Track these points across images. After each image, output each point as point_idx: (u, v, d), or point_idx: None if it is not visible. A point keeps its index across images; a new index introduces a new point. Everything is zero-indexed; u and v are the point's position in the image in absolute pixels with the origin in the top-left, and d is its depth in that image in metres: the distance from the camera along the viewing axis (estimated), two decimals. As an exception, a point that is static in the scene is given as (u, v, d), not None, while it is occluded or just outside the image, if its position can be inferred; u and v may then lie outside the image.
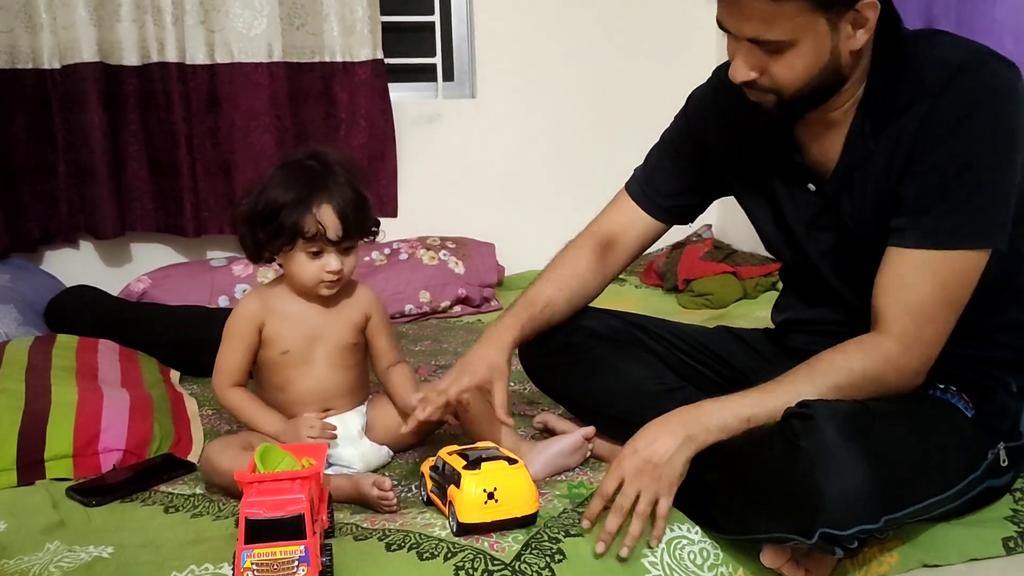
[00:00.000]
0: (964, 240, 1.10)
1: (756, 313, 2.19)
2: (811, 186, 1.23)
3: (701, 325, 1.51)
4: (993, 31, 1.56)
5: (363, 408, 1.46)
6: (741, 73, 1.13)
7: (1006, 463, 1.19)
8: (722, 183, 1.37)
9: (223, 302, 2.28)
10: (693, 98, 1.40)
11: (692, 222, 1.46)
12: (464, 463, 1.15)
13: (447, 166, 2.80)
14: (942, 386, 1.19)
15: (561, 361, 1.42)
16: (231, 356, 1.40)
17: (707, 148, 1.36)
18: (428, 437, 1.50)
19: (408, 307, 2.44)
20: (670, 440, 1.10)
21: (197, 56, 2.41)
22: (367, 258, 2.48)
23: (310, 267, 1.35)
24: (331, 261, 1.34)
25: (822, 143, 1.21)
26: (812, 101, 1.15)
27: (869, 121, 1.15)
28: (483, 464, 1.14)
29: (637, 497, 1.10)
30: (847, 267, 1.24)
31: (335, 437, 1.36)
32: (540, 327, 1.39)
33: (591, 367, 1.39)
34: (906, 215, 1.12)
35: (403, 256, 2.55)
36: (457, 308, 2.53)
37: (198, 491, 1.33)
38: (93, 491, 1.31)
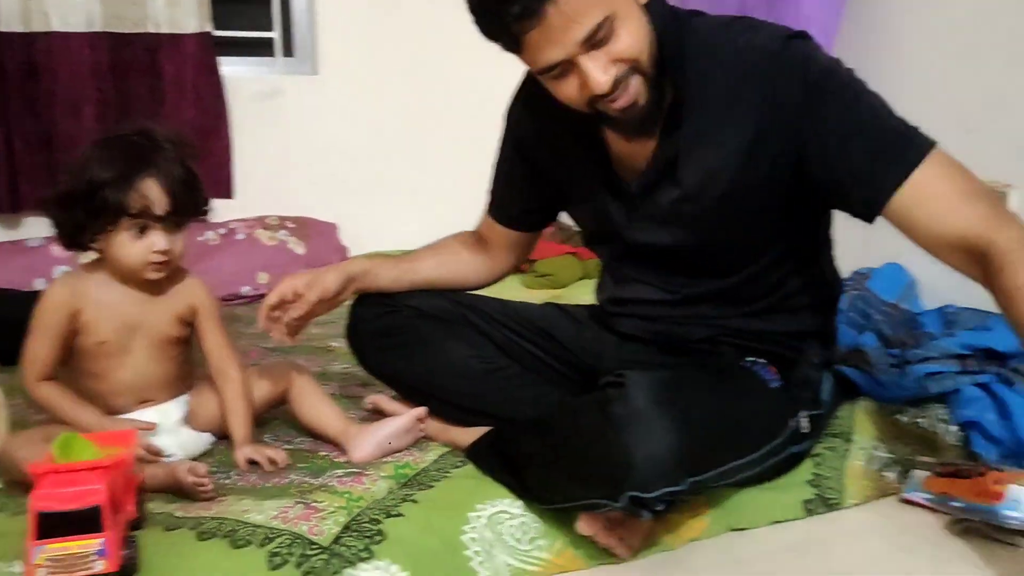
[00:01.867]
0: (920, 146, 1.09)
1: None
2: (629, 184, 1.24)
3: (530, 302, 1.53)
4: (799, 24, 1.65)
5: (185, 397, 1.39)
6: (602, 78, 1.07)
7: (807, 430, 1.27)
8: (560, 191, 1.38)
9: (39, 284, 2.14)
10: (510, 118, 1.38)
11: (555, 220, 1.48)
12: None
13: (288, 145, 2.72)
14: (751, 359, 1.26)
15: (387, 342, 1.40)
16: (39, 348, 1.30)
17: (536, 162, 1.36)
18: (266, 413, 1.45)
19: (245, 288, 2.37)
20: None
21: (13, 23, 2.26)
22: (200, 237, 2.38)
23: (135, 248, 1.26)
24: (158, 240, 1.26)
25: (633, 145, 1.21)
26: (665, 71, 1.14)
27: (681, 113, 1.16)
28: None
29: None
30: (667, 257, 1.28)
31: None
32: (398, 280, 1.41)
33: (417, 348, 1.39)
34: (856, 179, 1.09)
35: (240, 236, 2.47)
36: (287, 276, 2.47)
37: (-2, 485, 1.24)
38: None
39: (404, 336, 1.39)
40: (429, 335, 1.38)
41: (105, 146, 1.28)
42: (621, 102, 1.11)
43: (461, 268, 1.48)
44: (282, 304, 1.34)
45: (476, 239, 1.49)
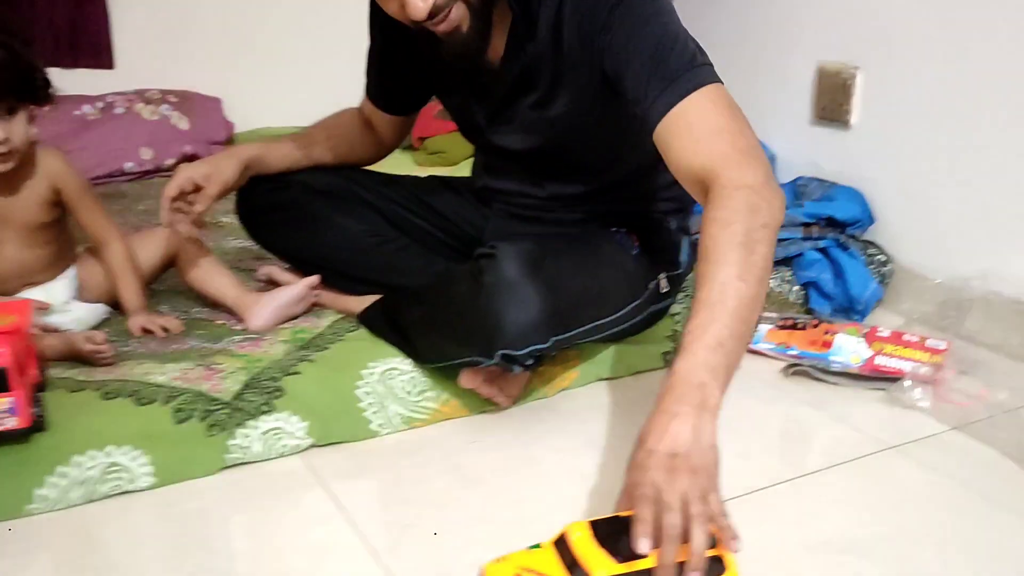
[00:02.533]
0: (693, 79, 1.08)
1: (479, 168, 2.31)
2: (489, 87, 1.29)
3: (416, 175, 1.59)
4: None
5: (71, 272, 1.40)
6: (420, 4, 1.09)
7: (667, 290, 1.41)
8: (428, 81, 1.41)
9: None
10: (373, 8, 1.37)
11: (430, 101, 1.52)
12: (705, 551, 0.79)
13: (170, 13, 2.62)
14: (614, 228, 1.37)
15: (278, 218, 1.45)
16: None
17: (403, 51, 1.38)
18: (153, 281, 1.48)
19: (128, 164, 2.33)
20: (681, 423, 0.86)
21: None
22: (76, 112, 2.31)
23: None
24: None
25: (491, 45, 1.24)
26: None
27: (524, 20, 1.19)
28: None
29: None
30: (529, 159, 1.34)
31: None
32: (291, 160, 1.44)
33: (308, 223, 1.44)
34: (635, 100, 1.11)
35: (119, 110, 2.40)
36: (183, 166, 2.45)
37: None
38: None
39: (295, 212, 1.43)
40: (319, 210, 1.43)
41: None
42: (442, 27, 1.14)
43: (352, 147, 1.52)
44: (181, 195, 1.34)
45: (362, 117, 1.53)
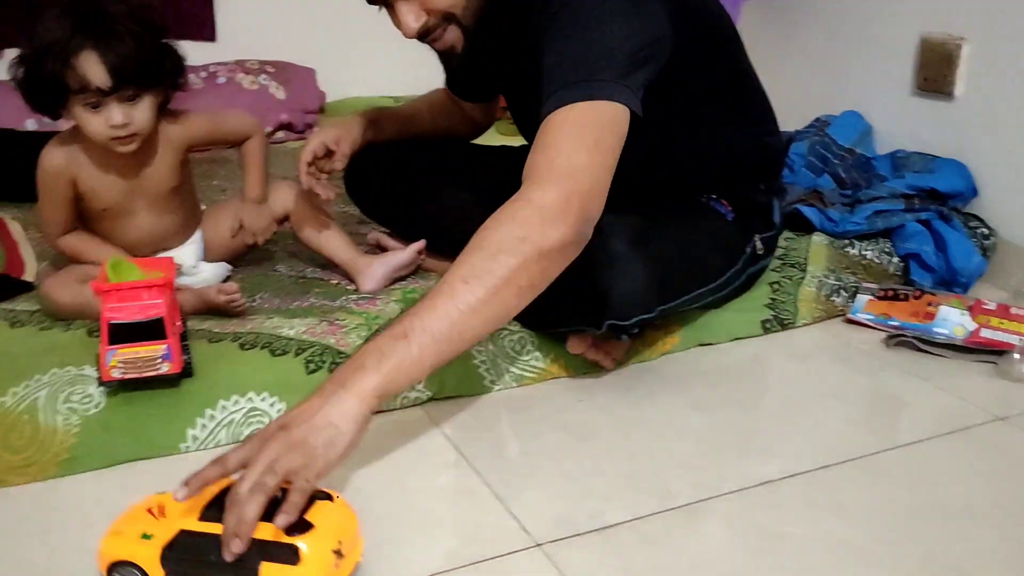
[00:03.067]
0: (579, 93, 1.04)
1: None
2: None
3: (514, 146, 1.64)
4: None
5: (197, 236, 1.47)
6: (412, 25, 1.14)
7: (762, 251, 1.43)
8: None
9: (31, 125, 2.17)
10: None
11: None
12: (279, 526, 0.80)
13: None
14: (708, 196, 1.40)
15: (385, 187, 1.52)
16: (51, 211, 1.33)
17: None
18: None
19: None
20: (312, 401, 0.90)
21: None
22: (184, 81, 2.41)
23: (93, 123, 1.24)
24: (114, 114, 1.22)
25: None
26: (489, 20, 1.18)
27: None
28: (310, 517, 0.82)
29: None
30: None
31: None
32: (401, 129, 1.50)
33: (414, 192, 1.50)
34: (546, 97, 1.07)
35: (221, 80, 2.50)
36: (280, 134, 2.54)
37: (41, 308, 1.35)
38: (-71, 311, 1.31)
39: (401, 181, 1.50)
40: (425, 180, 1.49)
41: (54, 14, 1.21)
42: (436, 45, 1.20)
43: (451, 124, 1.59)
44: (315, 159, 1.41)
45: (452, 97, 1.58)
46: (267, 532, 0.80)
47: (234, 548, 0.78)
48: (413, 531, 0.96)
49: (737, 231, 1.38)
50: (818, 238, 1.62)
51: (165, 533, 0.82)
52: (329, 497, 0.86)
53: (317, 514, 0.83)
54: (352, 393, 0.88)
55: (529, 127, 1.40)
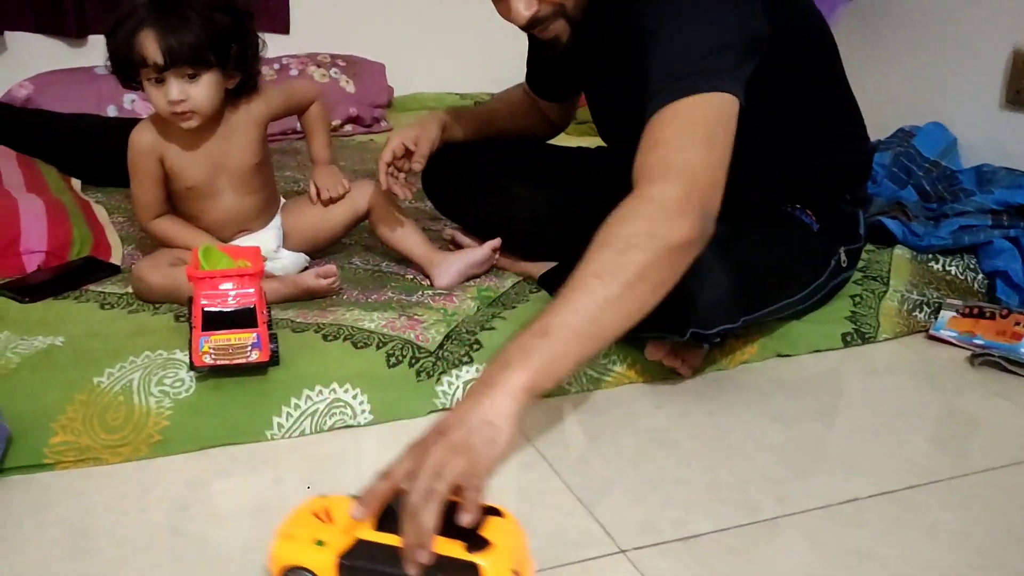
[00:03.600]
0: (683, 88, 1.04)
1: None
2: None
3: (586, 147, 1.63)
4: None
5: (277, 221, 1.50)
6: (523, 13, 1.14)
7: (846, 264, 1.41)
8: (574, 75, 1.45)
9: (112, 111, 2.22)
10: None
11: None
12: (460, 543, 0.78)
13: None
14: (792, 205, 1.38)
15: (461, 186, 1.53)
16: (143, 191, 1.38)
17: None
18: (348, 233, 1.57)
19: (298, 124, 2.45)
20: (466, 404, 0.86)
21: None
22: (258, 72, 2.44)
23: (156, 97, 1.29)
24: (171, 89, 1.27)
25: None
26: (592, 13, 1.18)
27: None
28: (485, 533, 0.80)
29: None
30: None
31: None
32: (477, 129, 1.51)
33: (490, 192, 1.51)
34: (649, 94, 1.06)
35: (293, 72, 2.53)
36: (348, 127, 2.56)
37: (128, 291, 1.38)
38: (23, 290, 1.34)
39: (478, 181, 1.51)
40: (502, 181, 1.50)
41: None
42: (543, 35, 1.20)
43: (527, 124, 1.59)
44: (394, 159, 1.42)
45: (530, 98, 1.58)
46: (445, 548, 0.77)
47: (421, 559, 0.75)
48: (496, 530, 0.96)
49: (822, 242, 1.36)
50: (901, 251, 1.59)
51: (340, 541, 0.80)
52: (499, 513, 0.83)
53: (492, 531, 0.80)
54: (502, 391, 0.85)
55: (614, 126, 1.39)
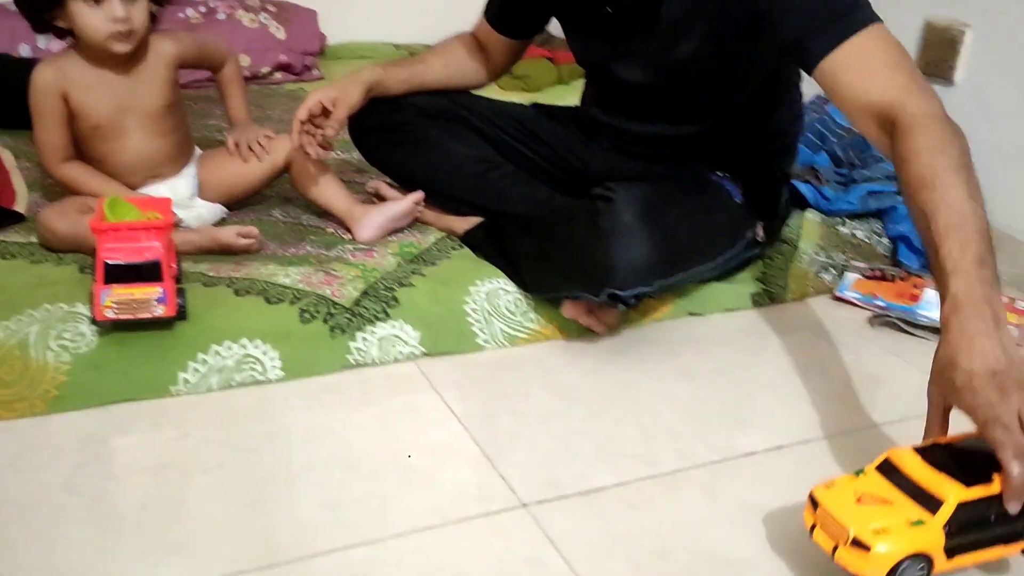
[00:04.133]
0: (860, 18, 1.11)
1: (569, 98, 2.32)
2: (616, 18, 1.30)
3: (518, 103, 1.63)
4: None
5: (191, 170, 1.47)
6: None
7: (762, 238, 1.45)
8: (552, 5, 1.44)
9: (24, 51, 2.13)
10: None
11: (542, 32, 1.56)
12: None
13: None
14: (720, 173, 1.41)
15: (389, 139, 1.51)
16: (47, 133, 1.34)
17: None
18: (267, 186, 1.55)
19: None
20: (986, 340, 0.88)
21: None
22: (180, 14, 2.37)
23: (94, 18, 1.26)
24: (115, 7, 1.25)
25: None
26: None
27: None
28: None
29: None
30: (646, 95, 1.37)
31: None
32: (408, 84, 1.49)
33: (418, 145, 1.49)
34: (798, 39, 1.13)
35: (220, 16, 2.46)
36: (278, 75, 2.50)
37: (32, 240, 1.34)
38: (-81, 238, 1.30)
39: (406, 134, 1.49)
40: (429, 134, 1.48)
41: None
42: None
43: (464, 72, 1.57)
44: (311, 118, 1.40)
45: (475, 41, 1.56)
46: None
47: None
48: (402, 486, 0.98)
49: (743, 214, 1.39)
50: (811, 215, 1.64)
51: (936, 514, 0.81)
52: None
53: None
54: (1003, 324, 0.89)
55: (620, 52, 1.34)
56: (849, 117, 1.13)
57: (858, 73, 1.09)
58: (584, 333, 1.33)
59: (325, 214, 1.51)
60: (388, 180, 1.59)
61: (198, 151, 1.52)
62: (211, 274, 1.26)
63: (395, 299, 1.24)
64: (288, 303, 1.19)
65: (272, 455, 1.02)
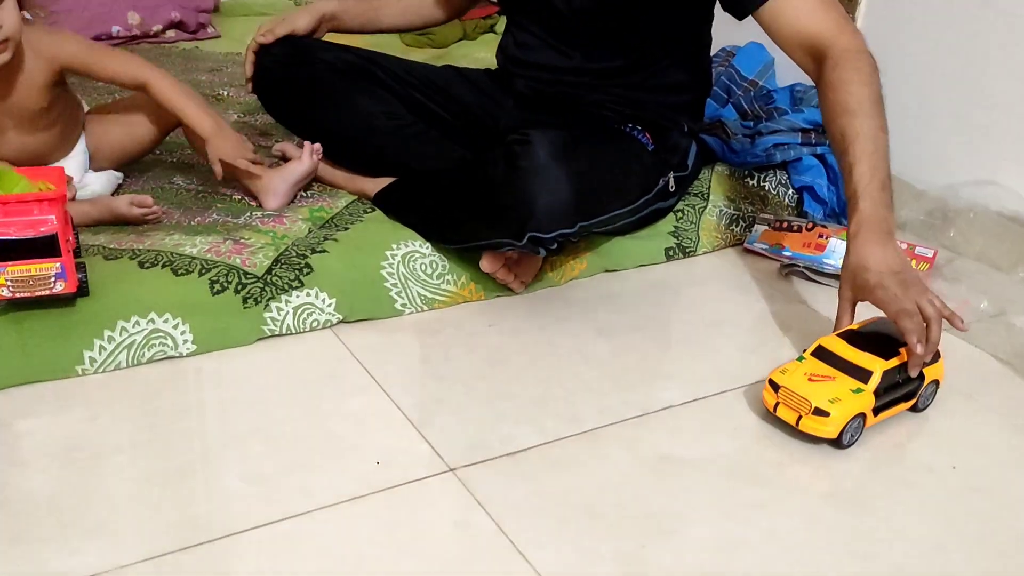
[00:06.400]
0: None
1: (476, 54, 2.30)
2: None
3: (428, 63, 1.61)
4: None
5: (80, 146, 1.38)
6: None
7: (673, 189, 1.46)
8: None
9: None
10: None
11: None
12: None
13: None
14: (631, 125, 1.42)
15: (296, 94, 1.46)
16: None
17: None
18: (160, 142, 1.47)
19: (115, 28, 2.27)
20: (888, 248, 1.13)
21: None
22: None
23: None
24: None
25: None
26: None
27: None
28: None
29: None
30: (569, 24, 1.37)
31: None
32: (365, 18, 1.53)
33: (326, 101, 1.45)
34: None
35: (102, -29, 2.32)
36: (171, 33, 2.38)
37: (-88, 217, 1.26)
38: None
39: (314, 89, 1.44)
40: (338, 90, 1.44)
41: None
42: None
43: (420, 14, 1.58)
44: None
45: None
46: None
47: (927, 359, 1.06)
48: (325, 456, 0.97)
49: (654, 162, 1.40)
50: (720, 168, 1.66)
51: (868, 382, 1.03)
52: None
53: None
54: (894, 236, 1.15)
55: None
56: (784, 49, 1.28)
57: (798, 9, 1.23)
58: (502, 292, 1.33)
59: (230, 183, 1.45)
60: (296, 140, 1.54)
61: (86, 108, 1.42)
62: (112, 246, 1.20)
63: (308, 266, 1.21)
64: (197, 274, 1.15)
65: (188, 431, 0.99)
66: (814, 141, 1.68)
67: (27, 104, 1.27)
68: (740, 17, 1.31)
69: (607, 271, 1.44)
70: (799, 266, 1.46)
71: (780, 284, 1.45)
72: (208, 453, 0.97)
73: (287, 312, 1.17)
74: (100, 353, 1.06)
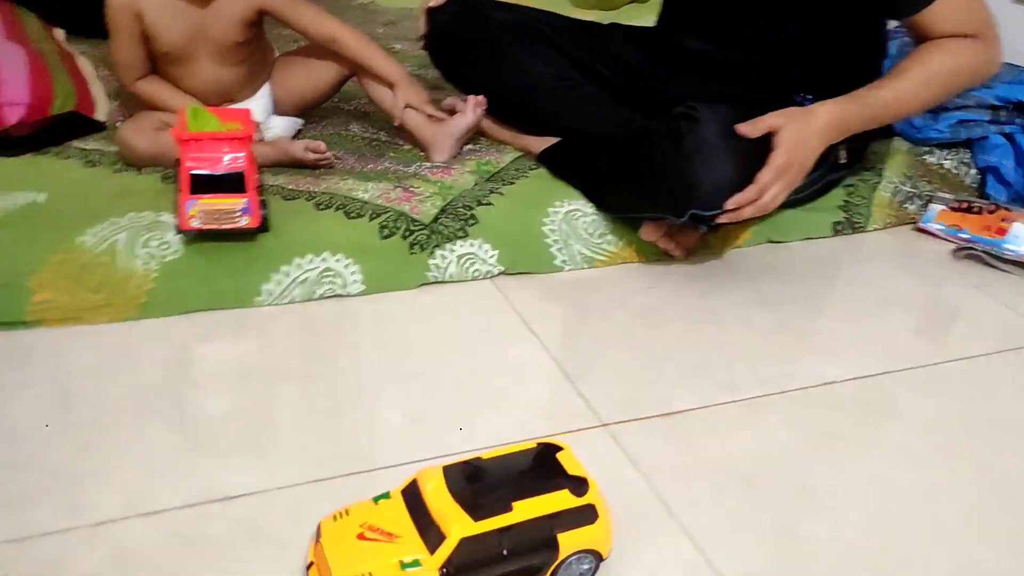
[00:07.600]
0: None
1: (644, 16, 2.26)
2: None
3: (597, 23, 1.59)
4: None
5: (265, 90, 1.45)
6: None
7: (845, 161, 1.40)
8: None
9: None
10: None
11: None
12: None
13: None
14: (803, 95, 1.36)
15: (468, 52, 1.48)
16: (123, 50, 1.32)
17: None
18: (337, 91, 1.51)
19: None
20: (822, 135, 1.21)
21: None
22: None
23: None
24: None
25: None
26: None
27: None
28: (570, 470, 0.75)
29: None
30: (734, 22, 1.34)
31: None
32: None
33: (497, 60, 1.46)
34: None
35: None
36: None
37: (112, 148, 1.35)
38: (3, 143, 1.31)
39: (485, 50, 1.46)
40: (509, 49, 1.45)
41: None
42: None
43: None
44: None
45: None
46: (561, 502, 0.72)
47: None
48: (483, 404, 0.99)
49: None
50: (898, 143, 1.58)
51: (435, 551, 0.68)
52: (560, 448, 0.77)
53: (572, 467, 0.75)
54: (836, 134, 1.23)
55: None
56: (917, 42, 1.29)
57: (946, 17, 1.26)
58: (662, 257, 1.31)
59: (401, 132, 1.48)
60: (462, 97, 1.56)
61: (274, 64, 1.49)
62: (291, 187, 1.26)
63: (474, 217, 1.24)
64: (368, 218, 1.19)
65: (354, 367, 1.04)
66: (1003, 119, 1.57)
67: (223, 35, 1.33)
68: (898, 19, 1.32)
69: (771, 241, 1.40)
70: (976, 249, 1.38)
71: (954, 267, 1.37)
72: (372, 388, 1.00)
73: (451, 260, 1.20)
74: (277, 286, 1.12)
